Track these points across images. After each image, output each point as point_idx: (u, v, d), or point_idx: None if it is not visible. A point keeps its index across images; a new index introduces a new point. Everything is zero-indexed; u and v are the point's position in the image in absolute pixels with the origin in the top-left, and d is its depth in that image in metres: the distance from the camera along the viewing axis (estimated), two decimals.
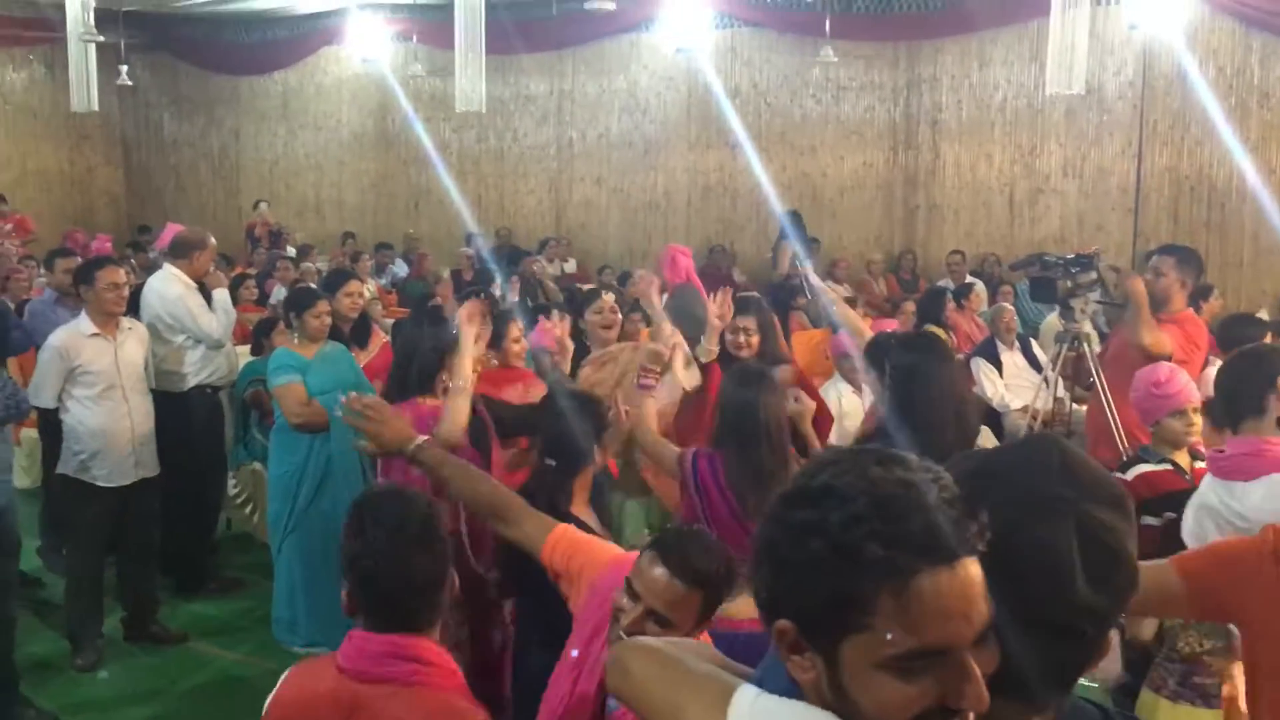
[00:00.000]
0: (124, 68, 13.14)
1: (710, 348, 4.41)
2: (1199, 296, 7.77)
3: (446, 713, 2.00)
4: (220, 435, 6.13)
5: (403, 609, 2.09)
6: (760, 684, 1.25)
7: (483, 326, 4.31)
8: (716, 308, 4.34)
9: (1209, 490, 3.01)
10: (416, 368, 3.84)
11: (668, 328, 4.47)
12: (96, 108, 10.09)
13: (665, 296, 6.78)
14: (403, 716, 1.97)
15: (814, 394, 4.56)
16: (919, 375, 3.48)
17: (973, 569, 1.11)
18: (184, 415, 5.62)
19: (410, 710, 1.97)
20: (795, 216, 11.65)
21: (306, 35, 14.96)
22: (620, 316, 4.95)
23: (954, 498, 1.12)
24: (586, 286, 9.71)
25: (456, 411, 3.65)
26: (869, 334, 4.50)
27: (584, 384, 4.52)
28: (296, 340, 5.04)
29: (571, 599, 2.64)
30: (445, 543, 2.16)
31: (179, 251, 5.81)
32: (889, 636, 1.08)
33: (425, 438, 2.98)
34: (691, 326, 5.67)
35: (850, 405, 5.25)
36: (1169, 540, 3.11)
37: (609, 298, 4.91)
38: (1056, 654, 1.28)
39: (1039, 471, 1.30)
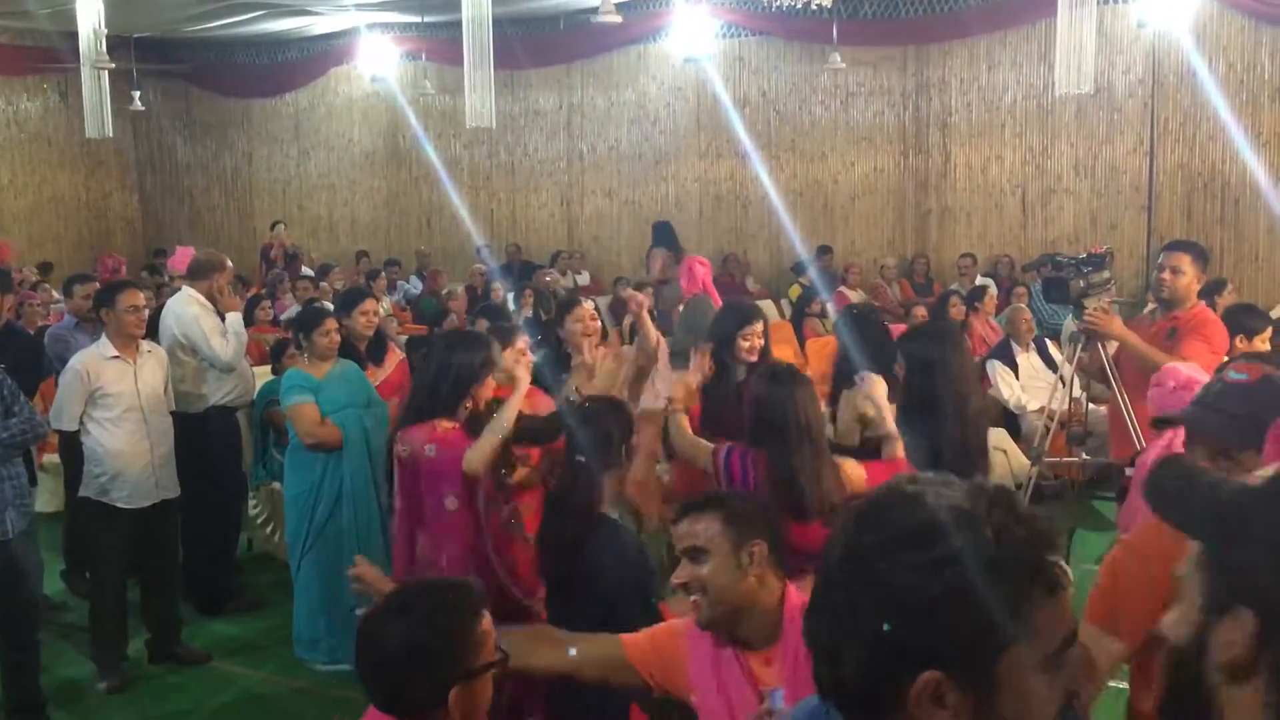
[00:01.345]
0: (136, 93, 13.28)
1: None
2: (1213, 291, 7.75)
3: None
4: (238, 455, 6.17)
5: (381, 681, 2.07)
6: None
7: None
8: (697, 367, 4.29)
9: None
10: (449, 388, 3.86)
11: (653, 335, 4.67)
12: (110, 134, 10.20)
13: (681, 306, 6.81)
14: None
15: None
16: (933, 366, 3.75)
17: None
18: (203, 436, 5.65)
19: None
20: (665, 226, 12.15)
21: (317, 56, 15.08)
22: (600, 323, 4.98)
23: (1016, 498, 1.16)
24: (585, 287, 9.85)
25: (486, 447, 3.73)
26: None
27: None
28: (307, 359, 5.06)
29: (682, 687, 2.53)
30: (451, 623, 2.07)
31: (197, 273, 5.86)
32: (1048, 635, 1.09)
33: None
34: (698, 340, 5.71)
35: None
36: None
37: (588, 305, 4.93)
38: None
39: None
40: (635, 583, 3.11)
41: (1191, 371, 3.70)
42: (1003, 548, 1.07)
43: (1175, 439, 3.58)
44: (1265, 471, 1.31)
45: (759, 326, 4.56)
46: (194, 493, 5.42)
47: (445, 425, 3.87)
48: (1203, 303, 4.96)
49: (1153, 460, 3.64)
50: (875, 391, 3.82)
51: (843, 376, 4.35)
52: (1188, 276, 4.81)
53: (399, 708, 2.04)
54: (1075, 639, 1.13)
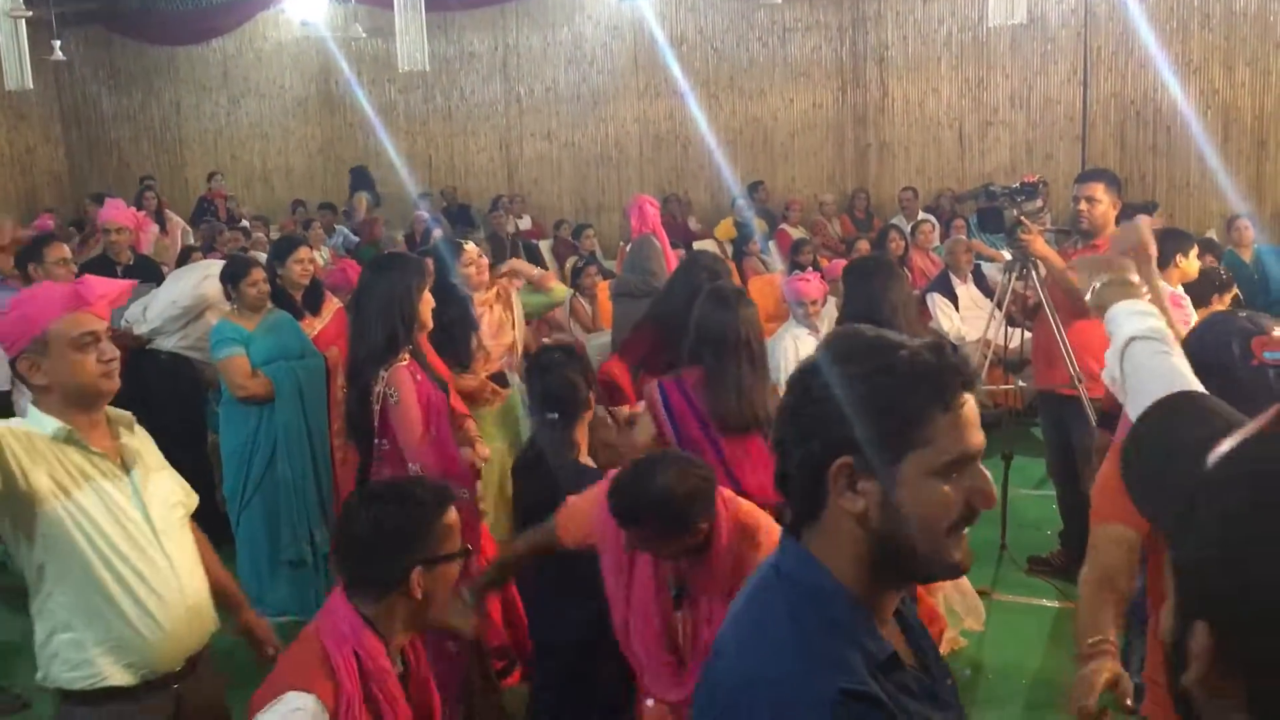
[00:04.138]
0: (57, 43, 12.83)
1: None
2: (1143, 213, 7.86)
3: (306, 663, 2.17)
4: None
5: (350, 561, 2.29)
6: (778, 565, 1.44)
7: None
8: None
9: None
10: (403, 321, 3.65)
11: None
12: (31, 85, 9.88)
13: (628, 246, 6.79)
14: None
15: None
16: (871, 299, 3.86)
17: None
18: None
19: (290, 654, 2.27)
20: (362, 170, 13.24)
21: (242, 0, 14.67)
22: (487, 261, 4.95)
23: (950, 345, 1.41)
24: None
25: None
26: None
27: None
28: (237, 311, 4.96)
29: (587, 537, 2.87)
30: (415, 511, 2.26)
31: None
32: (943, 445, 1.34)
33: None
34: (642, 279, 5.70)
35: (806, 348, 5.26)
36: None
37: (471, 248, 4.90)
38: None
39: None
40: None
41: (1173, 289, 3.71)
42: (915, 368, 1.35)
43: None
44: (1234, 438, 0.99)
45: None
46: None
47: (404, 357, 3.76)
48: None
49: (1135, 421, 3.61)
50: None
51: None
52: (1104, 204, 4.90)
53: (365, 586, 2.24)
54: (972, 461, 1.36)
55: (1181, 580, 0.92)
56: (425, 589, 2.22)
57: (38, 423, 2.54)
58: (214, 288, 5.54)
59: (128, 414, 2.79)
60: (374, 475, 3.61)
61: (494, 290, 4.96)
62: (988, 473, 1.38)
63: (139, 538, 2.58)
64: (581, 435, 3.29)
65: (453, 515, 2.31)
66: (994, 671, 4.40)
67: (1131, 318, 2.15)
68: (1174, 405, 1.36)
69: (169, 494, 2.75)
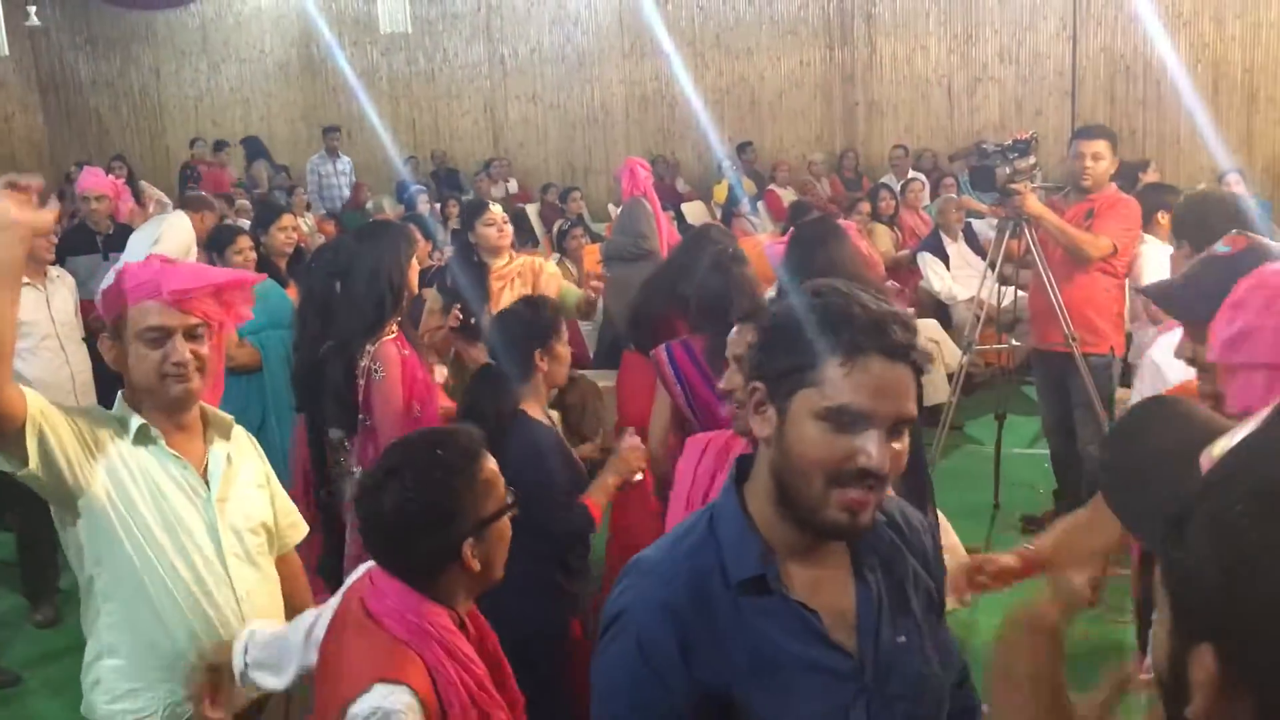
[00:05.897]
0: (33, 8, 12.65)
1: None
2: (1137, 170, 7.83)
3: (380, 650, 1.88)
4: None
5: (385, 549, 1.99)
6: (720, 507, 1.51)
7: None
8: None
9: None
10: (391, 291, 3.55)
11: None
12: (7, 52, 9.76)
13: (619, 209, 6.72)
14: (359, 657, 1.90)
15: None
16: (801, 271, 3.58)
17: (905, 374, 1.39)
18: None
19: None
20: (255, 140, 13.40)
21: None
22: (511, 227, 4.83)
23: (911, 326, 1.41)
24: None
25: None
26: None
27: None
28: None
29: None
30: (449, 479, 1.96)
31: (194, 205, 6.23)
32: (829, 391, 1.37)
33: None
34: (634, 242, 5.61)
35: None
36: None
37: (496, 209, 4.78)
38: None
39: None
40: (551, 482, 3.08)
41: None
42: (828, 311, 1.39)
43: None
44: (1222, 443, 0.92)
45: None
46: None
47: (392, 329, 3.69)
48: (1114, 185, 5.05)
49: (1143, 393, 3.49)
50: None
51: None
52: (1107, 161, 4.92)
53: (411, 573, 1.95)
54: (862, 420, 1.35)
55: (1178, 599, 0.84)
56: (481, 556, 1.96)
57: (118, 413, 2.30)
58: (175, 242, 5.39)
59: (228, 418, 2.46)
60: (361, 453, 3.55)
61: (518, 263, 4.70)
62: (885, 442, 1.37)
63: (199, 563, 2.30)
64: (532, 393, 3.24)
65: (489, 465, 2.03)
66: (989, 631, 4.40)
67: None
68: (1149, 410, 1.28)
69: (251, 516, 2.43)
